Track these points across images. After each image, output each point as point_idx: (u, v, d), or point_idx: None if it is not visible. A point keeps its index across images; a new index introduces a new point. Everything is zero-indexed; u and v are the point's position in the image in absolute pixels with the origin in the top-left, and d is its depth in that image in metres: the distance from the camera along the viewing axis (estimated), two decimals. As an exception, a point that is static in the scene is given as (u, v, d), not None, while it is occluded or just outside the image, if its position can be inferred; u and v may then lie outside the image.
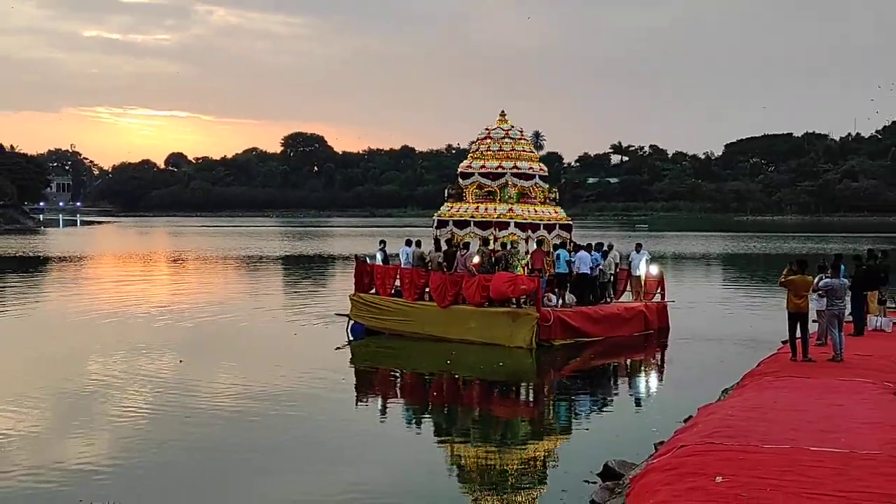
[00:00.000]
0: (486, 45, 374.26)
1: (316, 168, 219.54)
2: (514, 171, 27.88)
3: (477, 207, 27.93)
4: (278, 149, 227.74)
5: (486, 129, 29.00)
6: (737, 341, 25.92)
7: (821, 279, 18.84)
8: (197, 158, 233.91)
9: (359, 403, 19.49)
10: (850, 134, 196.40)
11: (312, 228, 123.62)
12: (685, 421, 14.07)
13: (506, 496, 12.93)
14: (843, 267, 20.44)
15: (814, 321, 19.41)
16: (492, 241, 26.89)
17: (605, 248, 28.17)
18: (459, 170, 29.19)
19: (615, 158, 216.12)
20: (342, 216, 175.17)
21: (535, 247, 27.29)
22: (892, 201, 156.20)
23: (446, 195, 29.52)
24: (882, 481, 9.08)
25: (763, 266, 60.27)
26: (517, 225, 27.05)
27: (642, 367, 24.23)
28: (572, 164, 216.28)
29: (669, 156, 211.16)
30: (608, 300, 27.54)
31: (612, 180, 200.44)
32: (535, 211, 27.82)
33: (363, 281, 28.08)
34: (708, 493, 8.73)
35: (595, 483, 12.46)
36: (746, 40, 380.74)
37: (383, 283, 27.53)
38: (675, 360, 24.02)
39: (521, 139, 28.85)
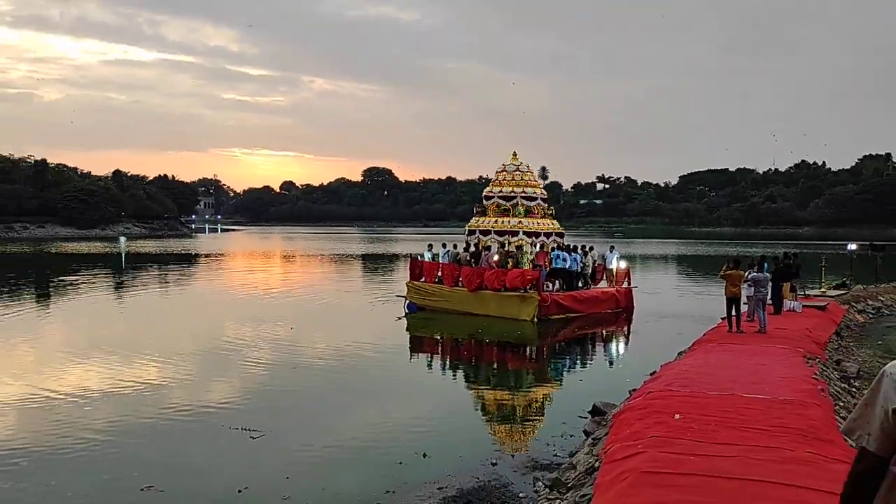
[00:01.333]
0: (505, 103, 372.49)
1: (386, 192, 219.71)
2: (523, 194, 28.36)
3: (496, 220, 28.18)
4: (359, 178, 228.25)
5: (503, 164, 29.33)
6: (687, 318, 25.67)
7: (749, 273, 18.68)
8: (302, 185, 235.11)
9: (410, 359, 19.55)
10: (770, 168, 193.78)
11: (382, 235, 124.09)
12: (651, 374, 13.91)
13: (519, 425, 12.92)
14: (766, 265, 20.19)
15: (744, 304, 19.13)
16: (507, 245, 27.39)
17: (586, 249, 28.59)
18: (484, 193, 29.48)
19: (600, 186, 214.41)
20: (403, 227, 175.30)
21: (538, 249, 27.52)
22: (800, 218, 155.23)
23: (475, 212, 29.79)
24: (796, 418, 8.94)
25: (706, 264, 59.54)
26: (525, 233, 27.58)
27: (618, 336, 24.05)
28: (569, 189, 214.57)
29: (639, 184, 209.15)
30: (588, 287, 27.58)
31: (597, 201, 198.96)
32: (538, 223, 28.18)
33: (415, 272, 28.44)
34: (669, 426, 8.63)
35: (586, 418, 12.40)
36: (699, 102, 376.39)
37: (429, 274, 27.96)
38: (642, 331, 23.80)
39: (527, 172, 29.12)
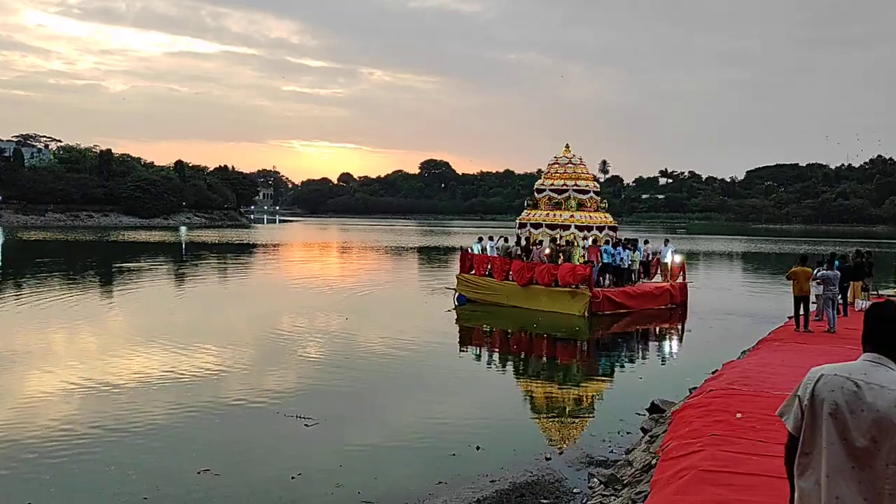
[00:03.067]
0: (565, 94, 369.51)
1: (443, 185, 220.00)
2: (575, 187, 28.11)
3: (548, 214, 28.02)
4: (417, 171, 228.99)
5: (555, 157, 29.12)
6: (753, 316, 25.12)
7: (818, 270, 18.19)
8: (360, 177, 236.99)
9: (460, 351, 19.62)
10: (843, 164, 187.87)
11: (439, 228, 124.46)
12: (713, 373, 13.70)
13: (573, 421, 12.85)
14: (836, 262, 19.62)
15: (813, 303, 18.65)
16: (558, 238, 27.17)
17: (637, 244, 28.39)
18: (535, 186, 29.34)
19: (662, 180, 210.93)
20: (461, 220, 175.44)
21: (590, 243, 27.08)
22: (874, 216, 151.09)
23: (526, 204, 29.67)
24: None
25: (773, 262, 58.11)
26: (576, 227, 27.31)
27: (673, 333, 23.71)
28: (630, 184, 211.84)
29: (703, 179, 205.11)
30: (632, 282, 27.13)
31: (660, 196, 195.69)
32: (591, 217, 27.92)
33: (465, 265, 28.48)
34: (730, 425, 8.49)
35: (644, 415, 12.27)
36: (768, 94, 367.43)
37: (479, 267, 28.01)
38: (705, 329, 23.30)
39: (580, 164, 28.79)
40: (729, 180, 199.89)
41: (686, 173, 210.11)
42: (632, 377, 16.68)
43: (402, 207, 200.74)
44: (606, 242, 27.15)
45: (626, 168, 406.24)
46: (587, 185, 28.44)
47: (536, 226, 27.96)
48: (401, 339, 19.67)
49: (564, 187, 28.12)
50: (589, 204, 28.40)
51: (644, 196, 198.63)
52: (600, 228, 27.81)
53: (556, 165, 28.79)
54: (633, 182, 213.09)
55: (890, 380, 3.25)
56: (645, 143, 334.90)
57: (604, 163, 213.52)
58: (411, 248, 66.36)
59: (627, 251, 26.95)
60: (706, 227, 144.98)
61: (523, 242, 27.80)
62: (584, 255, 25.92)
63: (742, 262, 60.23)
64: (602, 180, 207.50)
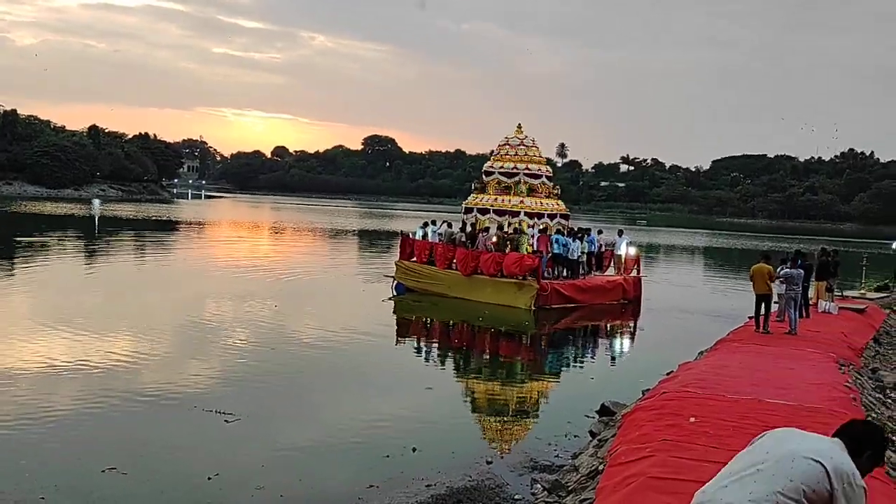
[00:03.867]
0: (523, 71, 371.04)
1: (388, 163, 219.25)
2: (526, 171, 28.37)
3: (496, 199, 28.21)
4: (359, 147, 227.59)
5: (506, 137, 29.33)
6: (712, 315, 25.74)
7: (782, 269, 18.63)
8: (296, 151, 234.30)
9: (397, 344, 19.71)
10: (812, 157, 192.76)
11: (382, 210, 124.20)
12: (668, 374, 13.94)
13: (517, 422, 13.00)
14: (800, 261, 20.15)
15: (775, 302, 19.13)
16: (506, 226, 27.38)
17: (585, 232, 28.79)
18: (484, 168, 29.53)
19: (623, 167, 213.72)
20: (406, 202, 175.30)
21: (539, 232, 27.25)
22: (842, 213, 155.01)
23: (472, 188, 29.86)
24: (822, 428, 8.92)
25: (737, 258, 59.51)
26: (526, 214, 27.60)
27: (625, 331, 24.20)
28: (589, 170, 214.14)
29: (667, 167, 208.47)
30: (581, 275, 27.48)
31: (620, 185, 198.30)
32: (542, 203, 28.22)
33: (405, 251, 28.52)
34: (682, 429, 8.65)
35: (593, 417, 12.45)
36: (739, 80, 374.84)
37: (420, 254, 28.07)
38: (661, 327, 23.89)
39: (532, 147, 29.08)
40: (693, 170, 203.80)
41: (649, 161, 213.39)
42: (581, 377, 16.94)
43: (341, 186, 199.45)
44: (558, 231, 27.46)
45: (585, 152, 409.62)
46: (539, 170, 28.73)
47: (483, 211, 28.13)
48: (333, 330, 19.65)
49: (515, 171, 28.34)
50: (541, 190, 28.72)
51: (603, 184, 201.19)
52: (552, 216, 28.13)
53: (507, 147, 29.01)
54: (593, 168, 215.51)
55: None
56: (607, 127, 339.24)
57: (562, 146, 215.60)
58: (350, 232, 66.14)
59: (576, 241, 27.24)
60: (668, 218, 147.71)
61: (469, 229, 27.93)
62: (532, 245, 26.19)
63: (703, 257, 61.55)
64: (559, 165, 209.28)
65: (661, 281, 36.69)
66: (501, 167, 28.61)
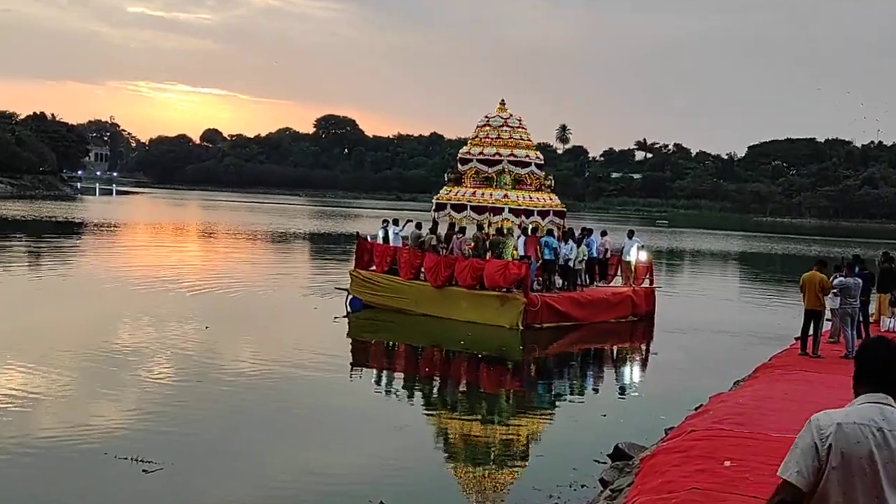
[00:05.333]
0: (515, 40, 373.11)
1: (346, 150, 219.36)
2: (511, 158, 28.27)
3: (474, 192, 28.18)
4: (311, 130, 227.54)
5: (486, 116, 29.33)
6: (751, 336, 25.90)
7: (836, 278, 18.69)
8: (231, 135, 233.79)
9: (353, 375, 19.69)
10: (872, 141, 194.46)
11: (340, 208, 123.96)
12: (697, 408, 14.01)
13: (509, 470, 12.99)
14: (857, 268, 20.32)
15: (828, 319, 19.27)
16: (486, 226, 27.32)
17: (585, 233, 28.75)
18: (459, 155, 29.54)
19: (639, 155, 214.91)
20: (369, 198, 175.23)
21: (521, 233, 27.29)
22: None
23: (445, 179, 29.92)
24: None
25: (781, 266, 59.98)
26: (511, 210, 27.49)
27: (637, 355, 24.45)
28: (597, 158, 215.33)
29: (693, 154, 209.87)
30: (581, 286, 27.54)
31: (635, 176, 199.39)
32: (530, 197, 28.24)
33: (363, 258, 28.56)
34: (715, 476, 8.68)
35: (604, 463, 12.47)
36: (773, 45, 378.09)
37: (381, 261, 28.01)
38: (680, 350, 24.02)
39: (519, 128, 29.11)
40: (726, 157, 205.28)
41: (671, 146, 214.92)
42: (586, 413, 16.97)
43: (288, 179, 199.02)
44: (549, 233, 27.27)
45: (592, 136, 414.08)
46: (527, 156, 28.68)
47: (459, 208, 28.07)
48: (276, 358, 19.62)
49: (497, 157, 28.23)
50: (529, 181, 28.76)
51: (615, 175, 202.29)
52: (543, 213, 28.12)
53: (488, 128, 28.98)
54: (601, 156, 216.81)
55: None
56: (619, 105, 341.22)
57: (563, 128, 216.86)
58: (298, 235, 66.03)
59: (569, 244, 26.86)
60: (694, 218, 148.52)
61: (441, 230, 27.91)
62: (516, 248, 26.12)
63: (738, 265, 61.97)
64: (560, 151, 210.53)
65: (685, 294, 36.90)
66: (480, 153, 28.52)
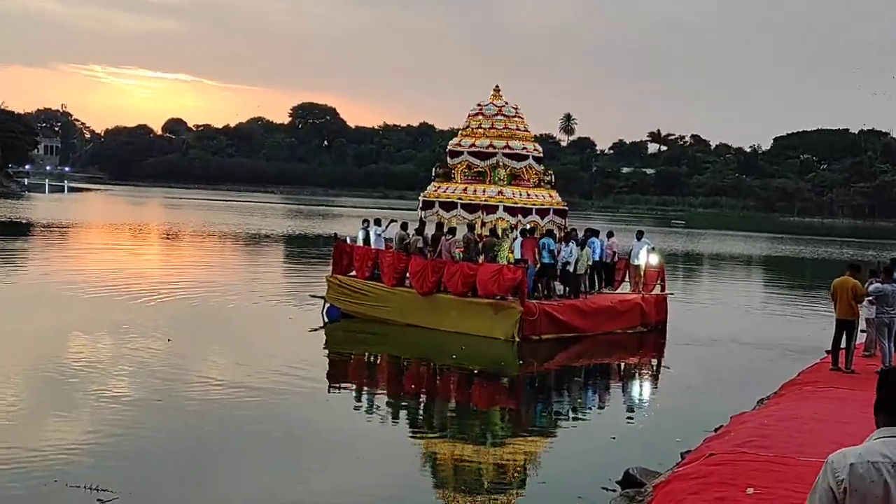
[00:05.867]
0: (515, 23, 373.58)
1: (326, 142, 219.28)
2: (506, 150, 28.28)
3: (465, 189, 28.25)
4: (286, 119, 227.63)
5: (479, 104, 29.37)
6: (777, 349, 25.92)
7: (871, 284, 18.65)
8: (197, 126, 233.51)
9: (331, 392, 19.68)
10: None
11: (319, 207, 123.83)
12: (716, 430, 14.02)
13: (510, 499, 12.96)
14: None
15: (862, 330, 19.29)
16: (478, 226, 27.40)
17: (592, 234, 28.66)
18: (448, 147, 29.57)
19: (652, 147, 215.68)
20: (352, 195, 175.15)
21: (517, 233, 27.10)
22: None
23: (433, 174, 29.85)
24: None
25: (811, 271, 60.10)
26: (507, 209, 27.49)
27: (648, 369, 24.49)
28: (606, 151, 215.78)
29: (712, 147, 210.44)
30: (584, 293, 27.55)
31: (648, 171, 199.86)
32: (528, 194, 28.25)
33: (341, 262, 28.54)
34: (737, 505, 8.69)
35: (613, 490, 12.46)
36: (800, 31, 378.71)
37: (361, 265, 27.96)
38: (696, 365, 24.00)
39: (515, 117, 29.16)
40: (749, 150, 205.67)
41: (688, 138, 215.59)
42: (592, 435, 16.96)
43: (261, 174, 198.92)
44: (549, 233, 27.25)
45: (600, 127, 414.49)
46: (524, 148, 28.72)
47: (448, 206, 28.11)
48: (245, 374, 19.57)
49: (491, 150, 28.27)
50: (527, 175, 28.84)
51: (625, 170, 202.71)
52: (542, 212, 28.19)
53: (480, 117, 29.04)
54: (610, 148, 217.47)
55: None
56: (629, 93, 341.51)
57: (568, 118, 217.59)
58: (272, 237, 66.08)
59: (570, 246, 26.81)
60: (714, 218, 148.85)
61: (429, 231, 27.89)
62: (514, 252, 26.03)
63: (762, 269, 62.08)
64: (564, 143, 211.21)
65: (701, 302, 36.97)
66: (472, 145, 28.56)
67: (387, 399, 19.55)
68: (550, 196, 28.85)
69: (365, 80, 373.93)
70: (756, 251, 78.23)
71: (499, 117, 28.79)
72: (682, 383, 21.88)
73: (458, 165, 28.87)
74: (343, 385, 20.93)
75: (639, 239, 29.56)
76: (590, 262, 27.57)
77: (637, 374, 23.95)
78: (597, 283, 28.62)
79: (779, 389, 16.96)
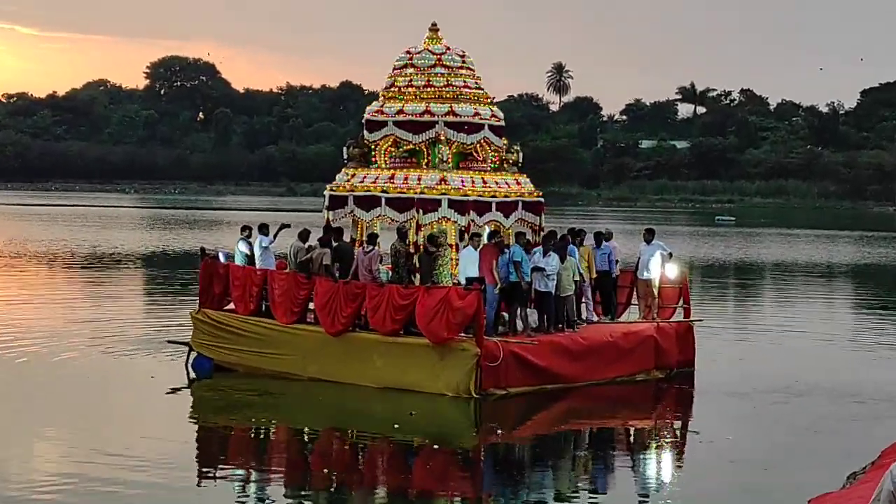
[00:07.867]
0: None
1: (201, 115, 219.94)
2: (450, 118, 27.98)
3: (392, 176, 28.14)
4: (142, 83, 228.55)
5: (408, 51, 29.19)
6: (872, 400, 25.80)
7: None
8: (8, 95, 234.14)
9: (201, 486, 19.41)
10: None
11: (190, 211, 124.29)
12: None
13: None
14: None
15: None
16: (413, 231, 27.14)
17: (578, 237, 28.87)
18: (366, 117, 29.40)
19: (684, 110, 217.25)
20: (242, 193, 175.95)
21: (471, 238, 26.78)
22: None
23: (346, 156, 29.67)
24: None
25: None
26: (453, 204, 27.17)
27: (675, 440, 24.13)
28: (616, 116, 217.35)
29: (772, 107, 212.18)
30: (573, 322, 27.42)
31: (680, 145, 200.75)
32: (484, 182, 28.08)
33: (211, 291, 28.68)
34: None
35: None
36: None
37: (243, 295, 28.01)
38: (746, 427, 23.79)
39: (461, 68, 29.06)
40: (826, 110, 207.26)
41: (736, 94, 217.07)
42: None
43: (107, 165, 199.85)
44: (518, 238, 27.19)
45: (607, 83, 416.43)
46: (478, 114, 28.46)
47: (368, 202, 28.05)
48: (85, 464, 19.35)
49: (428, 118, 28.03)
50: (482, 155, 28.84)
51: (646, 143, 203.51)
52: (507, 207, 28.09)
53: (411, 70, 28.91)
54: (622, 113, 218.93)
55: None
56: (650, 31, 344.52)
57: (559, 70, 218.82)
58: (125, 257, 66.54)
59: (549, 255, 26.56)
60: (779, 211, 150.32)
61: (339, 241, 27.65)
62: (464, 268, 25.91)
63: (850, 284, 62.58)
64: (556, 107, 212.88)
65: (748, 332, 37.13)
66: (400, 112, 28.31)
67: (283, 491, 19.32)
68: (518, 183, 28.72)
69: (257, 21, 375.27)
70: (838, 257, 78.88)
71: (437, 70, 28.59)
72: (722, 456, 21.63)
73: (381, 143, 28.80)
74: (218, 473, 20.52)
75: (648, 242, 29.29)
76: (576, 278, 27.40)
77: (653, 444, 23.59)
78: (588, 309, 28.47)
79: (877, 459, 16.87)
